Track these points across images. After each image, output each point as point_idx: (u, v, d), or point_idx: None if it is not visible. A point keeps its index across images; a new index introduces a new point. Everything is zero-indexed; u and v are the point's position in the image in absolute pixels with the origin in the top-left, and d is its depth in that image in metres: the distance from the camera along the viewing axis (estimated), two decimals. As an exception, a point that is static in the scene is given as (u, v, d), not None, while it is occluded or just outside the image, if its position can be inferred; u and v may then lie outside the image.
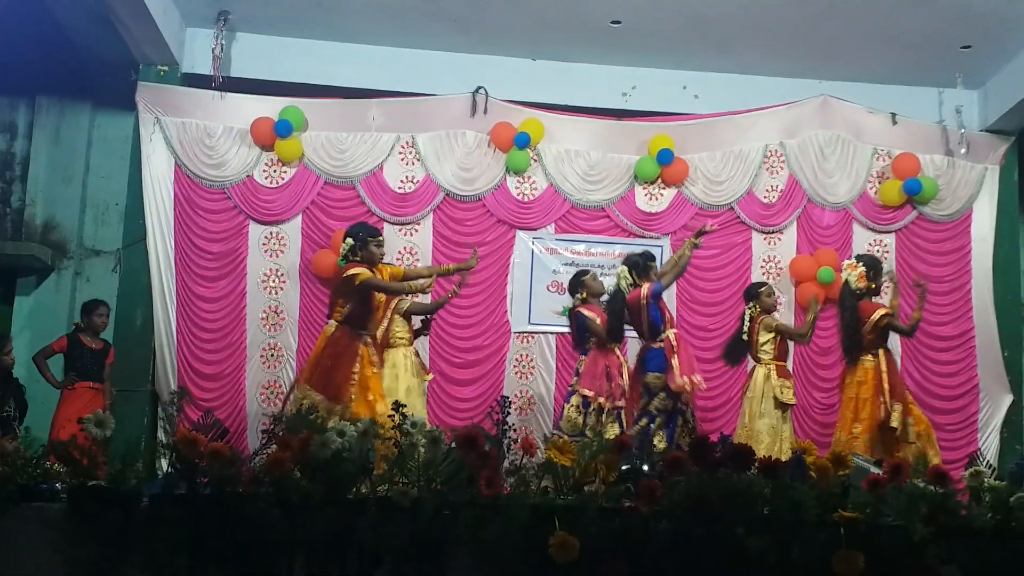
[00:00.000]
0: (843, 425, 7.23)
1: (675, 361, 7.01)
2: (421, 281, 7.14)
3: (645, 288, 7.12)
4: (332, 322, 6.61)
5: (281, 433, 3.55)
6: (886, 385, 7.08)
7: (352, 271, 6.53)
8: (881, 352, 7.22)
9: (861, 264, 7.39)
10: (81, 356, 7.67)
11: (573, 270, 8.87)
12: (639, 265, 7.27)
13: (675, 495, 3.36)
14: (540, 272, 8.96)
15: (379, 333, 7.15)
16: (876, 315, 7.18)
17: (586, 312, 7.42)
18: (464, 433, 3.54)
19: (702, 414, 8.67)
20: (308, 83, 8.84)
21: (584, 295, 7.54)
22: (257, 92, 8.73)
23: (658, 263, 7.64)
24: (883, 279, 7.54)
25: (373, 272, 6.60)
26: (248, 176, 8.66)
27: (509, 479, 3.50)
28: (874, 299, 7.41)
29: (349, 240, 6.67)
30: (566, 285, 8.79)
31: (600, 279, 7.77)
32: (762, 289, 7.71)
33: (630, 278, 7.22)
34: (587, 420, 7.08)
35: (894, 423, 6.98)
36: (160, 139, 8.54)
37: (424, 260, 8.70)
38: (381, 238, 6.88)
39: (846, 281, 7.41)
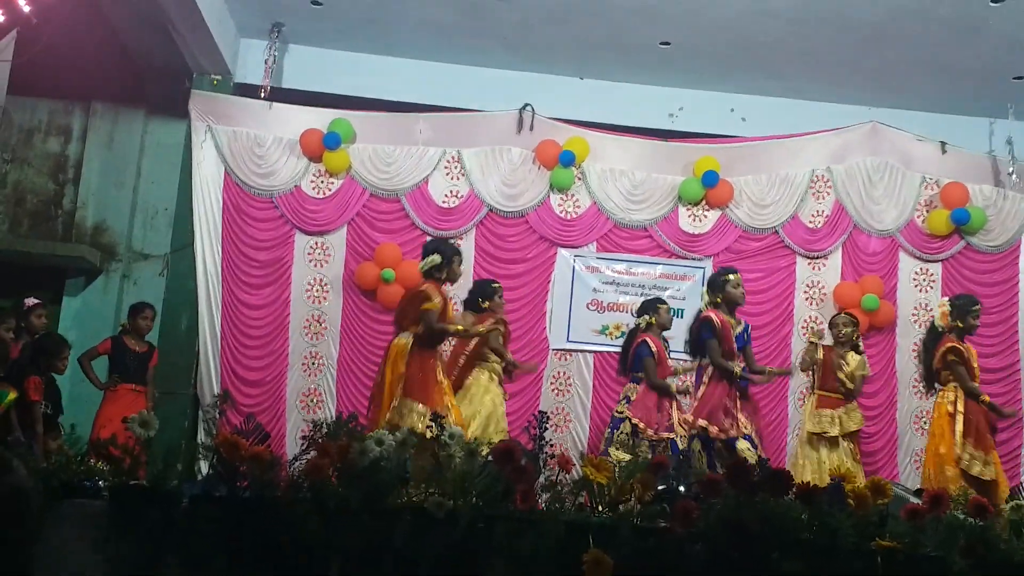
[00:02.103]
0: (927, 459, 7.23)
1: (700, 394, 7.05)
2: (471, 331, 7.14)
3: (700, 319, 7.20)
4: (406, 337, 6.58)
5: (321, 440, 3.58)
6: (959, 425, 6.93)
7: (425, 292, 6.57)
8: (958, 388, 7.09)
9: (947, 303, 7.37)
10: (125, 359, 7.77)
11: (613, 289, 8.90)
12: (714, 283, 7.30)
13: (711, 517, 3.35)
14: (580, 290, 8.95)
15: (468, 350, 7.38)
16: (943, 348, 7.14)
17: (652, 346, 7.33)
18: (501, 447, 3.55)
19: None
20: (357, 96, 8.95)
21: (652, 321, 7.42)
22: (307, 103, 8.83)
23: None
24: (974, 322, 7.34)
25: (436, 303, 6.59)
26: (296, 186, 8.76)
27: (544, 494, 3.50)
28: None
29: (437, 256, 6.67)
30: (606, 304, 8.81)
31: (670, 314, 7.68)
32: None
33: (707, 297, 7.27)
34: (637, 450, 7.01)
35: (962, 465, 6.83)
36: (211, 147, 8.67)
37: (466, 274, 8.70)
38: (461, 258, 6.95)
39: (932, 320, 7.51)
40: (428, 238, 8.60)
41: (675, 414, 7.22)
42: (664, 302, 7.69)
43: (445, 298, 6.76)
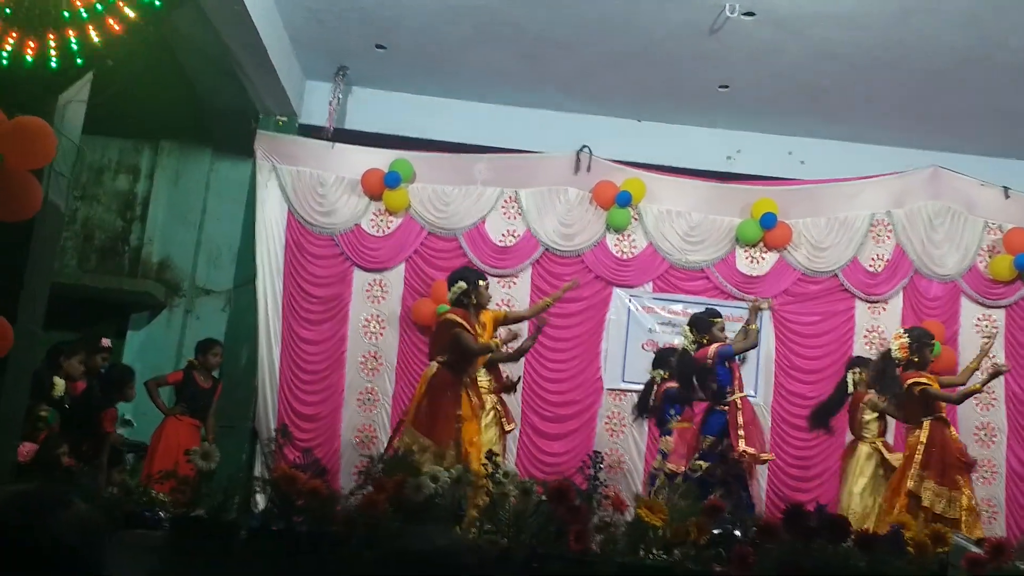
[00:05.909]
0: (887, 496, 6.96)
1: (740, 424, 6.89)
2: (501, 354, 7.20)
3: (712, 348, 7.04)
4: (433, 364, 6.67)
5: (377, 475, 3.62)
6: (918, 456, 6.65)
7: (451, 319, 6.62)
8: (927, 423, 6.77)
9: (906, 335, 7.08)
10: (192, 393, 7.89)
11: (669, 329, 8.86)
12: (700, 322, 7.20)
13: (767, 563, 3.32)
14: (635, 330, 8.93)
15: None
16: (907, 383, 6.85)
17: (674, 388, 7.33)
18: (555, 486, 3.56)
19: (796, 483, 8.51)
20: (418, 137, 9.08)
21: (668, 375, 7.42)
22: (369, 144, 8.98)
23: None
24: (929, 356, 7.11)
25: (467, 326, 6.59)
26: (356, 224, 8.89)
27: (598, 535, 3.50)
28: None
29: (462, 284, 6.71)
30: (661, 344, 8.76)
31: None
32: None
33: (691, 335, 7.16)
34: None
35: (924, 500, 6.55)
36: (275, 186, 8.84)
37: (522, 312, 8.79)
38: (487, 281, 6.98)
39: (888, 349, 7.16)
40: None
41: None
42: (674, 350, 7.59)
43: (472, 324, 6.71)
